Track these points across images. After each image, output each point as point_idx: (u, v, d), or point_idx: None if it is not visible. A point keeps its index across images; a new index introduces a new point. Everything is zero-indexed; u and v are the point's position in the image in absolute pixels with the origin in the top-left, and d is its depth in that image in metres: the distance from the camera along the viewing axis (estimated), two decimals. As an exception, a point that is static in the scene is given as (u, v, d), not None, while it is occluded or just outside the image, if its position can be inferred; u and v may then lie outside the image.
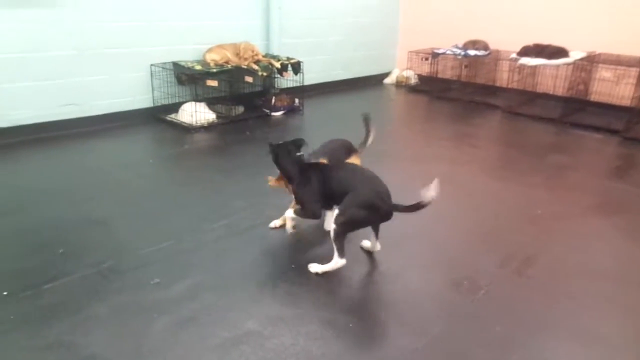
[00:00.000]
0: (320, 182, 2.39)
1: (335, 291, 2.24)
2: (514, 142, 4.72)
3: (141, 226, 2.75)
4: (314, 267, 2.36)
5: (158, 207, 3.00)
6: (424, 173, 3.73)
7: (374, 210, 2.29)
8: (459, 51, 6.04)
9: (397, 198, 3.03)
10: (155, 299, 2.11)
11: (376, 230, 2.47)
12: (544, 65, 5.29)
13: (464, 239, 2.79)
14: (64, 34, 4.12)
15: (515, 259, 2.53)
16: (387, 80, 7.13)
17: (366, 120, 2.98)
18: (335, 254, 2.31)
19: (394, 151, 4.24)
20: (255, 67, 4.90)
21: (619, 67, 5.03)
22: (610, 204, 3.30)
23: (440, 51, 6.18)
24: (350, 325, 2.01)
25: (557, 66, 5.28)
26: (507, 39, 5.98)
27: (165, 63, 4.74)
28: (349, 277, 2.35)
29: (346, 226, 2.28)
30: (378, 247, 2.52)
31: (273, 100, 5.24)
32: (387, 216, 2.34)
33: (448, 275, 2.39)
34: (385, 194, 2.34)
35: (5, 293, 2.11)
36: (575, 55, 5.19)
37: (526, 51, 5.32)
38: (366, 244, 2.56)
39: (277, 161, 2.52)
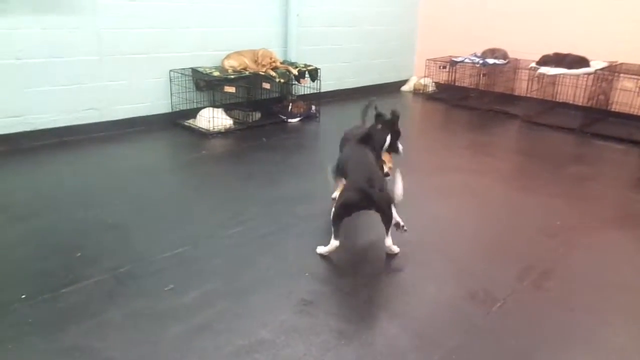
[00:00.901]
0: None
1: (349, 301, 2.23)
2: (532, 152, 4.66)
3: (157, 231, 2.78)
4: (319, 249, 2.58)
5: (174, 213, 3.02)
6: (441, 183, 3.71)
7: (362, 196, 2.44)
8: (477, 60, 6.00)
9: (413, 209, 3.02)
10: (170, 305, 2.12)
11: (385, 225, 2.53)
12: (564, 75, 5.22)
13: (481, 249, 2.76)
14: (85, 40, 4.19)
15: (533, 271, 2.49)
16: (404, 88, 7.11)
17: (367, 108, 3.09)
18: (332, 235, 2.52)
19: (411, 161, 4.21)
20: (273, 73, 4.93)
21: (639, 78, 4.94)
22: (631, 216, 3.24)
23: (459, 59, 6.15)
24: (364, 336, 1.99)
25: (577, 76, 5.21)
26: (526, 48, 5.93)
27: (184, 69, 4.80)
28: (363, 287, 2.34)
29: (338, 209, 2.48)
30: (389, 244, 2.57)
31: (290, 107, 5.26)
32: (372, 204, 2.46)
33: (464, 287, 2.36)
34: (375, 181, 2.47)
35: (23, 296, 2.15)
36: (596, 65, 5.11)
37: (546, 60, 5.26)
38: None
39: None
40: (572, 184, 3.78)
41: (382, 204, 2.46)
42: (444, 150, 4.59)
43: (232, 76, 4.68)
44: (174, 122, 4.82)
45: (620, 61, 5.24)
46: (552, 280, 2.43)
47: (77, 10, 4.09)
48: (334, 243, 2.54)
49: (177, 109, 4.87)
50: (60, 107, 4.20)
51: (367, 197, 2.43)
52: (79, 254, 2.50)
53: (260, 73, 4.89)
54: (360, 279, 2.39)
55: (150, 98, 4.72)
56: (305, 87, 5.44)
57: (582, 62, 5.12)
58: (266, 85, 4.92)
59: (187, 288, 2.24)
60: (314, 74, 5.32)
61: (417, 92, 6.91)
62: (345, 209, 2.50)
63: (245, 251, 2.59)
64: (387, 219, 2.52)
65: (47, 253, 2.52)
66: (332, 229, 2.53)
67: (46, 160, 3.84)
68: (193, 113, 4.84)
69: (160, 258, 2.48)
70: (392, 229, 2.57)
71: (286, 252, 2.61)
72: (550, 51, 5.42)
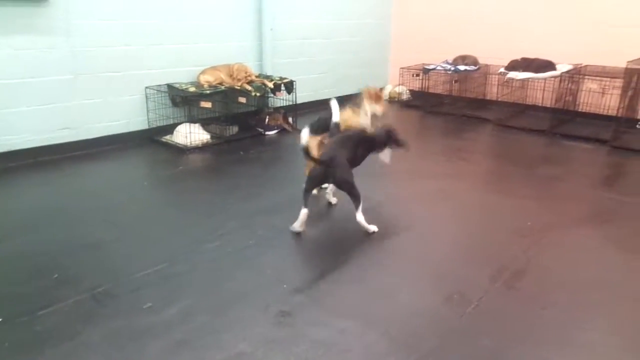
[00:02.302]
0: None
1: (326, 310, 2.27)
2: (505, 155, 4.78)
3: (135, 249, 2.79)
4: (292, 227, 2.94)
5: (152, 230, 3.03)
6: (417, 189, 3.79)
7: (322, 170, 2.85)
8: (449, 67, 6.14)
9: (390, 212, 3.09)
10: (148, 322, 2.14)
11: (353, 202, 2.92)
12: (532, 79, 5.38)
13: (455, 253, 2.82)
14: (60, 59, 4.19)
15: (506, 272, 2.56)
16: (379, 96, 7.21)
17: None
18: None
19: (387, 167, 4.29)
20: (249, 87, 4.98)
21: (604, 79, 5.11)
22: (600, 213, 3.35)
23: (431, 67, 6.28)
24: (342, 344, 2.03)
25: (545, 79, 5.37)
26: (495, 54, 6.09)
27: (159, 85, 4.82)
28: (341, 295, 2.38)
29: (306, 181, 2.92)
30: (360, 219, 2.92)
31: (267, 120, 5.30)
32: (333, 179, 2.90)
33: (439, 290, 2.42)
34: (336, 160, 2.84)
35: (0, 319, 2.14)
36: (562, 68, 5.28)
37: (514, 65, 5.41)
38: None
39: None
40: (543, 184, 3.90)
41: (340, 181, 2.88)
42: (420, 156, 4.67)
43: (208, 91, 4.71)
44: (151, 138, 4.82)
45: (584, 63, 5.42)
46: (524, 280, 2.50)
47: (51, 30, 4.09)
48: (303, 211, 2.91)
49: (154, 126, 4.87)
50: (35, 127, 4.18)
51: (328, 172, 2.84)
52: (56, 275, 2.49)
53: (236, 87, 4.93)
54: (337, 287, 2.43)
55: (127, 115, 4.72)
56: (282, 99, 5.50)
57: (549, 65, 5.28)
58: (242, 100, 4.97)
59: (165, 305, 2.26)
60: (289, 87, 5.38)
61: (392, 100, 7.02)
62: (311, 181, 2.91)
63: (223, 265, 2.61)
64: (350, 195, 2.89)
65: (24, 275, 2.51)
66: (303, 199, 2.90)
67: (21, 181, 3.81)
68: (170, 129, 4.85)
69: (138, 276, 2.49)
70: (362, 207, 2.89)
71: (264, 264, 2.64)
72: (518, 56, 5.58)
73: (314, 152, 3.03)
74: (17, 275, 2.51)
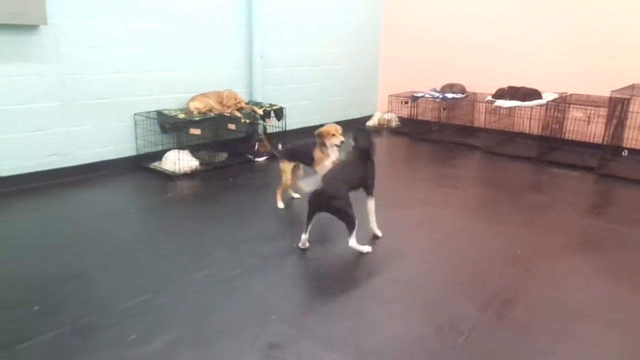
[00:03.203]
0: None
1: (316, 341, 2.22)
2: (493, 182, 4.81)
3: (120, 279, 2.73)
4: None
5: (138, 258, 2.98)
6: (406, 216, 3.78)
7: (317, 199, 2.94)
8: (437, 94, 6.22)
9: (380, 240, 3.08)
10: (133, 356, 2.07)
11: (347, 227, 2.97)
12: (519, 107, 5.46)
13: (446, 282, 2.80)
14: (49, 86, 4.17)
15: (496, 302, 2.54)
16: (369, 123, 7.27)
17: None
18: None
19: (376, 194, 4.29)
20: (238, 114, 4.99)
21: (589, 107, 5.21)
22: (588, 241, 3.36)
23: (419, 95, 6.36)
24: (331, 377, 1.99)
25: (531, 107, 5.45)
26: (482, 82, 6.20)
27: (149, 112, 4.81)
28: (330, 326, 2.34)
29: (308, 209, 3.01)
30: (353, 244, 2.98)
31: (256, 146, 5.30)
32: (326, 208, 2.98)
33: (429, 321, 2.38)
34: (329, 189, 2.91)
35: (-23, 354, 2.06)
36: (547, 96, 5.37)
37: (501, 94, 5.50)
38: None
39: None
40: (531, 212, 3.91)
41: (335, 210, 2.94)
42: (409, 184, 4.70)
43: (198, 118, 4.72)
44: (140, 165, 4.79)
45: (569, 92, 5.52)
46: (515, 310, 2.48)
47: (41, 57, 4.09)
48: (303, 237, 3.06)
49: (143, 152, 4.85)
50: (23, 154, 4.13)
51: (322, 202, 2.92)
52: (37, 307, 2.42)
53: (226, 114, 4.94)
54: (326, 318, 2.38)
55: (115, 142, 4.70)
56: (271, 126, 5.52)
57: (535, 94, 5.37)
58: (231, 126, 4.97)
59: (150, 337, 2.20)
60: (279, 113, 5.41)
61: (381, 127, 7.08)
62: (310, 210, 3.00)
63: (211, 296, 2.56)
64: (345, 222, 2.95)
65: (3, 306, 2.44)
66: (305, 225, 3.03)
67: (7, 209, 3.75)
68: (159, 155, 4.82)
69: (123, 307, 2.43)
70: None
71: (252, 294, 2.59)
72: (504, 84, 5.68)
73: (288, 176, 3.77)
74: (-3, 307, 2.44)
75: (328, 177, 3.03)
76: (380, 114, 7.25)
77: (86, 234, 3.31)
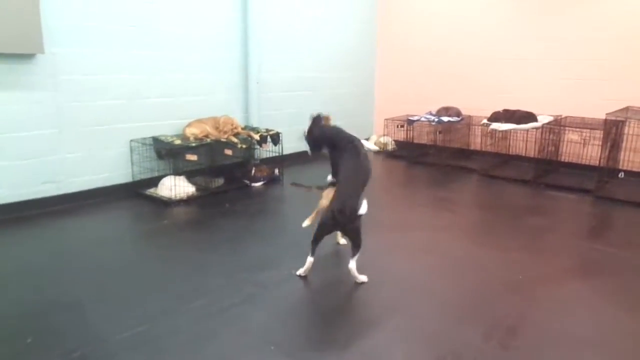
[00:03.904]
0: None
1: (316, 373, 2.17)
2: (490, 205, 4.79)
3: (115, 309, 2.67)
4: (299, 272, 3.01)
5: (133, 288, 2.92)
6: (404, 241, 3.75)
7: (333, 221, 2.84)
8: (433, 118, 6.25)
9: (378, 265, 3.04)
10: (127, 391, 2.01)
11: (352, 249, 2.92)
12: (515, 130, 5.49)
13: (447, 309, 2.75)
14: (45, 114, 4.17)
15: (499, 330, 2.49)
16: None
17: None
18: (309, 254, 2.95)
19: (373, 218, 4.26)
20: (235, 140, 4.99)
21: (584, 130, 5.24)
22: (589, 266, 3.33)
23: (415, 118, 6.39)
24: (333, 411, 1.92)
25: (527, 130, 5.48)
26: (477, 105, 6.26)
27: (144, 138, 4.80)
28: (330, 357, 2.28)
29: (317, 230, 2.91)
30: (352, 267, 2.92)
31: (253, 171, 5.29)
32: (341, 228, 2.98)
33: (431, 351, 2.33)
34: (347, 206, 2.81)
35: (-34, 392, 2.00)
36: (543, 119, 5.41)
37: (496, 117, 5.53)
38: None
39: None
40: (530, 236, 3.88)
41: (351, 230, 2.88)
42: (406, 207, 4.67)
43: (194, 144, 4.71)
44: (135, 191, 4.75)
45: (564, 115, 5.56)
46: (518, 338, 2.43)
47: (38, 85, 4.09)
48: (309, 260, 2.97)
49: (138, 179, 4.82)
50: (17, 182, 4.09)
51: (338, 222, 2.84)
52: (29, 340, 2.36)
53: (222, 140, 4.93)
54: (326, 350, 2.33)
55: (111, 168, 4.67)
56: (268, 151, 5.51)
57: (530, 117, 5.41)
58: (228, 152, 4.96)
59: (145, 371, 2.14)
60: (275, 139, 5.41)
61: (378, 150, 7.09)
62: (322, 230, 2.89)
63: (208, 326, 2.51)
64: (353, 243, 2.89)
65: (-5, 341, 2.38)
66: (311, 247, 2.94)
67: (1, 238, 3.70)
68: (155, 182, 4.79)
69: (118, 339, 2.37)
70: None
71: (250, 324, 2.54)
72: (499, 107, 5.72)
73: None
74: (-12, 341, 2.38)
75: (346, 191, 2.87)
76: (377, 137, 7.27)
77: (80, 263, 3.26)
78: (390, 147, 7.02)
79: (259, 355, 2.27)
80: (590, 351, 2.36)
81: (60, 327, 2.49)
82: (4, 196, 4.05)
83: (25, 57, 3.99)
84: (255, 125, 5.68)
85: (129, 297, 2.80)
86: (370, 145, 2.87)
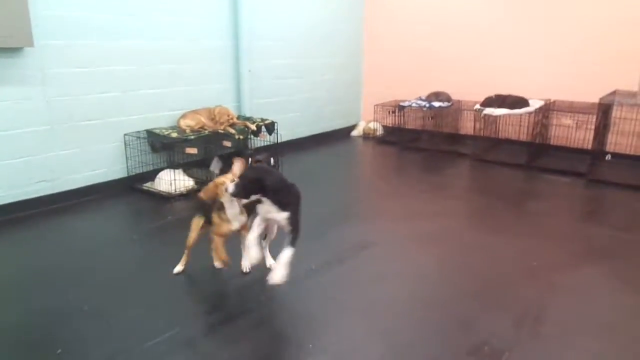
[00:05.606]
0: None
1: (360, 371, 2.18)
2: (488, 190, 4.86)
3: (140, 314, 2.60)
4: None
5: (153, 290, 2.86)
6: (408, 230, 3.75)
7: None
8: (423, 103, 6.28)
9: (387, 255, 3.04)
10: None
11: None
12: (508, 115, 5.56)
13: (470, 299, 2.79)
14: (35, 110, 3.98)
15: (527, 318, 2.56)
16: (354, 133, 7.29)
17: None
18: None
19: (372, 207, 4.29)
20: (232, 130, 4.90)
21: (576, 114, 5.36)
22: (597, 250, 3.40)
23: (406, 104, 6.41)
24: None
25: (520, 115, 5.57)
26: (466, 90, 6.31)
27: (139, 132, 4.66)
28: (366, 349, 2.30)
29: None
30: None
31: (250, 161, 5.21)
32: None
33: (465, 341, 2.37)
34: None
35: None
36: (534, 103, 5.50)
37: (489, 102, 5.60)
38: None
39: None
40: (533, 221, 3.98)
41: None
42: (403, 195, 4.68)
43: (192, 136, 4.60)
44: (131, 186, 4.63)
45: (552, 99, 5.68)
46: (547, 325, 2.50)
47: (26, 80, 3.89)
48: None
49: (134, 173, 4.69)
50: (9, 183, 3.92)
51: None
52: (59, 350, 2.29)
53: (220, 131, 4.84)
54: (365, 339, 2.35)
55: (105, 164, 4.53)
56: (262, 140, 5.44)
57: (522, 102, 5.50)
58: (227, 144, 4.87)
59: (189, 378, 2.10)
60: (270, 128, 5.34)
61: (366, 136, 7.11)
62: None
63: (228, 330, 2.48)
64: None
65: (22, 351, 2.29)
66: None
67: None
68: (150, 175, 4.68)
69: (149, 345, 2.32)
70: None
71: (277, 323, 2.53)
72: (488, 92, 5.78)
73: None
74: (13, 353, 2.29)
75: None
76: (365, 123, 7.28)
77: (91, 265, 3.16)
78: (379, 133, 7.04)
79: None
80: (615, 335, 2.45)
81: (86, 335, 2.42)
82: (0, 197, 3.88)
83: (14, 50, 3.79)
84: (247, 114, 5.58)
85: (151, 300, 2.74)
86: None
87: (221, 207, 2.73)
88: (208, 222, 2.85)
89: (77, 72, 4.20)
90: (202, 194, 2.73)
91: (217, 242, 2.77)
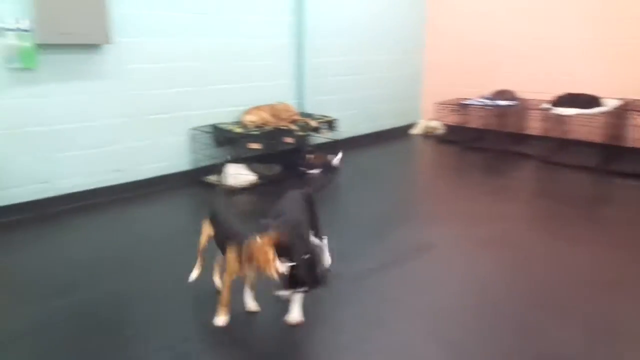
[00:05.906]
0: None
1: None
2: (556, 194, 4.64)
3: (203, 300, 2.68)
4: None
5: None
6: (471, 232, 3.64)
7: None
8: (488, 102, 6.09)
9: (450, 260, 2.94)
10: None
11: None
12: (582, 115, 5.27)
13: (541, 308, 2.66)
14: (111, 103, 4.22)
15: (597, 332, 2.43)
16: (413, 131, 7.19)
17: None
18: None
19: (434, 209, 4.21)
20: (294, 127, 4.96)
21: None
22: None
23: (469, 102, 6.24)
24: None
25: (594, 115, 5.27)
26: (531, 88, 6.06)
27: (204, 126, 4.82)
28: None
29: None
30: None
31: (309, 158, 5.26)
32: None
33: (532, 352, 2.29)
34: None
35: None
36: (609, 103, 5.19)
37: (560, 101, 5.35)
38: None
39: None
40: (609, 229, 3.75)
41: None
42: (464, 197, 4.55)
43: (256, 132, 4.70)
44: (197, 179, 4.79)
45: (631, 98, 5.33)
46: (622, 342, 2.37)
47: (105, 75, 4.13)
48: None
49: (198, 166, 4.85)
50: (86, 171, 4.18)
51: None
52: (133, 333, 2.41)
53: (282, 127, 4.91)
54: (413, 338, 2.32)
55: (173, 156, 4.71)
56: (323, 137, 5.47)
57: (594, 101, 5.22)
58: (289, 140, 4.93)
59: None
60: (332, 125, 5.36)
61: (427, 134, 6.99)
62: None
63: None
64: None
65: (92, 331, 2.43)
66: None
67: (74, 226, 3.79)
68: (213, 169, 4.82)
69: (219, 329, 2.40)
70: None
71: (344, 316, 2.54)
72: (555, 90, 5.52)
73: None
74: (87, 335, 2.43)
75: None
76: (425, 121, 7.16)
77: (158, 253, 3.31)
78: (439, 131, 6.91)
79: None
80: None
81: (155, 319, 2.53)
82: (75, 185, 4.13)
83: (93, 47, 4.02)
84: (308, 110, 5.63)
85: (213, 288, 2.82)
86: None
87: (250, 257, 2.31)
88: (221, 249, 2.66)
89: (149, 68, 4.40)
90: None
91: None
